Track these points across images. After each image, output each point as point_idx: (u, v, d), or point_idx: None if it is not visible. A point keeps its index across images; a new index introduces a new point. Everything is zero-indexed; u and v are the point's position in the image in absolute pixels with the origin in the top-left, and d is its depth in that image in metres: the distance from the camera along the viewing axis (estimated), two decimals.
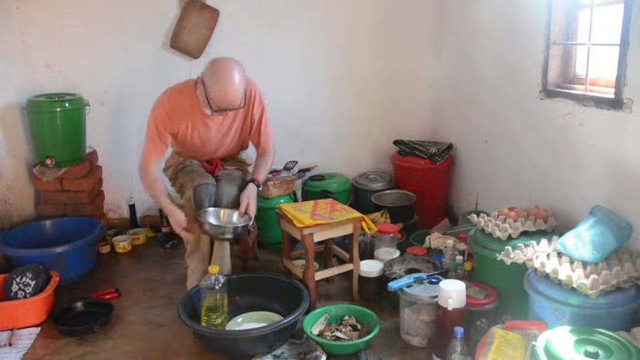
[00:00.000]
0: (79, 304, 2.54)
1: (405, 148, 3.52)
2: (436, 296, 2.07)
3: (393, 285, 2.22)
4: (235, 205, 2.54)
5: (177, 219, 2.48)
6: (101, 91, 3.37)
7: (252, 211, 2.51)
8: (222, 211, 2.50)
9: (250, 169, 2.91)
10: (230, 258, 2.69)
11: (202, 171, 2.64)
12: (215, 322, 2.20)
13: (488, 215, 2.39)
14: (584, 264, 1.91)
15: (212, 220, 2.44)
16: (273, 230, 2.99)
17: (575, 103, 2.25)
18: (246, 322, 2.35)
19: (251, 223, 2.49)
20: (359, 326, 2.30)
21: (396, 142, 3.59)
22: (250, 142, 2.75)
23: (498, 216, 2.37)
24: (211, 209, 2.48)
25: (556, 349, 1.62)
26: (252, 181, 2.60)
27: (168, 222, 3.23)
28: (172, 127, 2.50)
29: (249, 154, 2.89)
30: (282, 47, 3.48)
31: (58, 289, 2.54)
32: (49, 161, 3.09)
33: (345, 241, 2.78)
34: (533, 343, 1.72)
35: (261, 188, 2.63)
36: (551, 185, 2.44)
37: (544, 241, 2.09)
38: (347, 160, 3.72)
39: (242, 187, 2.60)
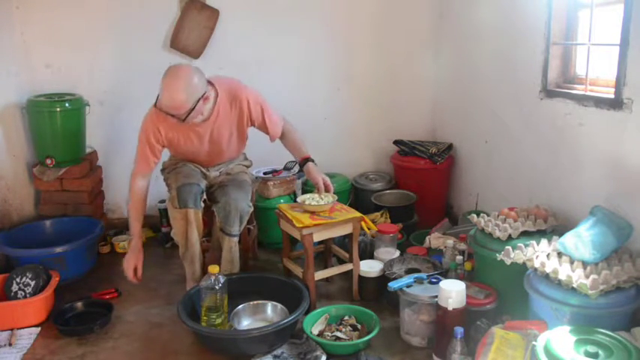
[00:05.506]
0: (79, 304, 2.54)
1: (405, 148, 3.52)
2: (436, 296, 2.07)
3: (393, 285, 2.22)
4: (245, 210, 2.51)
5: (129, 257, 2.51)
6: (101, 91, 3.37)
7: (330, 186, 2.55)
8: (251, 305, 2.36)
9: (251, 169, 2.90)
10: (239, 259, 2.64)
11: (190, 172, 2.56)
12: (215, 322, 2.19)
13: (488, 215, 2.39)
14: (584, 264, 1.91)
15: (247, 323, 2.30)
16: (273, 230, 2.99)
17: (575, 103, 2.25)
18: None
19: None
20: (359, 326, 2.29)
21: (396, 142, 3.59)
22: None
23: (498, 216, 2.37)
24: (240, 307, 2.33)
25: (556, 349, 1.62)
26: (307, 160, 2.58)
27: (168, 222, 3.24)
28: (163, 138, 2.48)
29: (251, 153, 2.89)
30: (282, 47, 3.48)
31: (58, 289, 2.53)
32: (49, 161, 3.09)
33: (345, 241, 2.78)
34: (533, 343, 1.72)
35: (316, 162, 2.60)
36: (551, 185, 2.44)
37: (544, 241, 2.09)
38: (347, 160, 3.71)
39: (250, 192, 2.59)
